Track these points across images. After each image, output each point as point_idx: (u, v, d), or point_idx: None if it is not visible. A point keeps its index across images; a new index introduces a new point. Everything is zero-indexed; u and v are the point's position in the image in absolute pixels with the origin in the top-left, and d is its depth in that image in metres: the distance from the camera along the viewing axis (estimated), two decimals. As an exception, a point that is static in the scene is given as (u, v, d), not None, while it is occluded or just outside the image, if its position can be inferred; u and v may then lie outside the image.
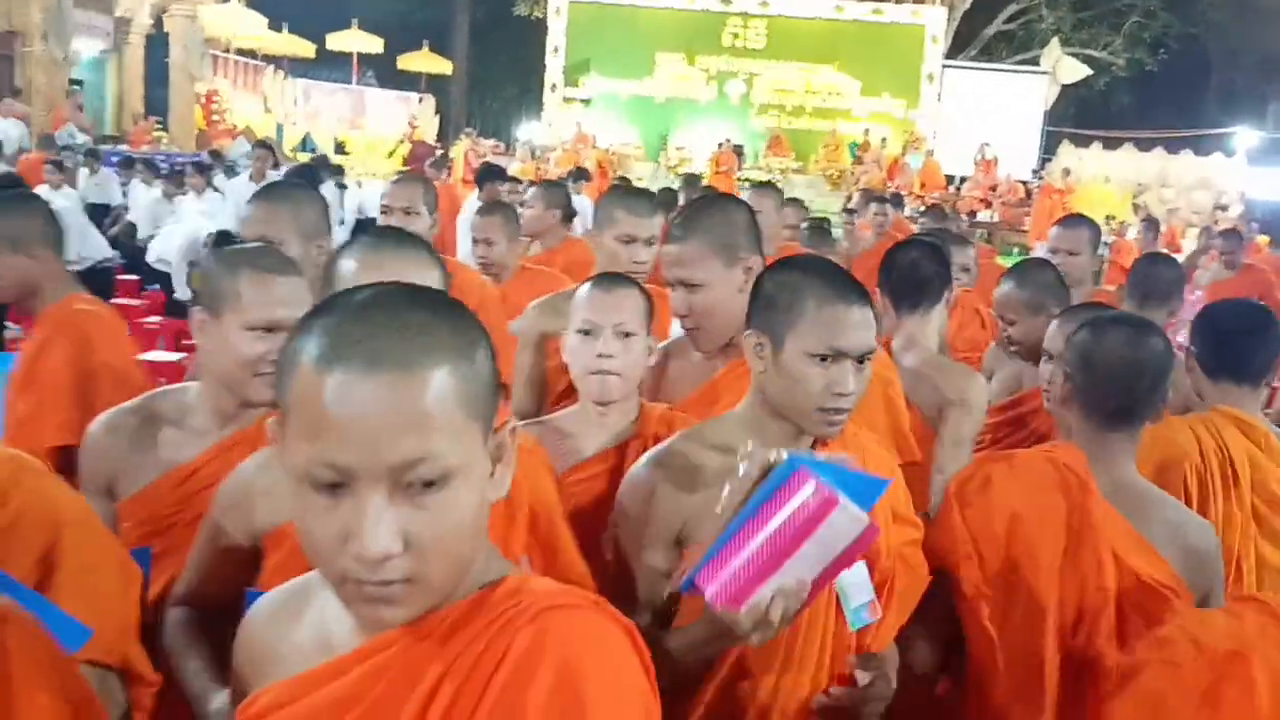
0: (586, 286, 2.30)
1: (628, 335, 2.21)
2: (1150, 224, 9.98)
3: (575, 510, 2.10)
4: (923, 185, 20.30)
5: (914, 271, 3.00)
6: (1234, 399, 2.63)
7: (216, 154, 13.17)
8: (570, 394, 2.48)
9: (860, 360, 1.80)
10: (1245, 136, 28.24)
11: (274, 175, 11.09)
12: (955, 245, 4.23)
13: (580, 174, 8.14)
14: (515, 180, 8.41)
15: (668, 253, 2.41)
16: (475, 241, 4.26)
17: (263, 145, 10.50)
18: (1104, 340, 2.14)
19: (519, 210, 5.10)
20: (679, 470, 1.86)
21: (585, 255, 4.75)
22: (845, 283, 1.83)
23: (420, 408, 1.01)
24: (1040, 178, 21.24)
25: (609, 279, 2.33)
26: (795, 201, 7.35)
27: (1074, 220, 4.46)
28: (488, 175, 7.78)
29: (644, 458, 1.95)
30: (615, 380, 2.21)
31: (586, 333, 2.21)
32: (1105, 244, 14.90)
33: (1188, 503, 2.40)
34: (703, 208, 2.49)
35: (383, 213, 3.54)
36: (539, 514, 1.91)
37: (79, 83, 17.65)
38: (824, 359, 1.78)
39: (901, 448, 2.53)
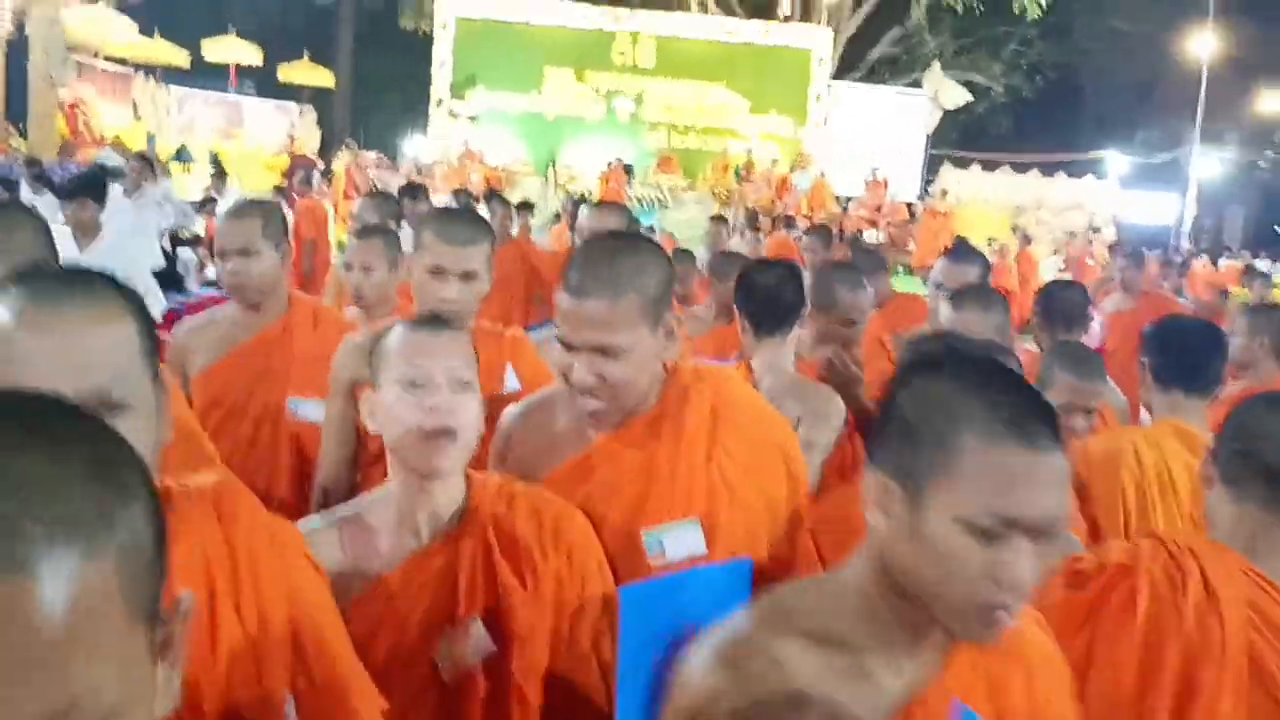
0: (401, 329, 1.85)
1: (465, 385, 1.79)
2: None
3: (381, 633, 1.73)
4: (811, 205, 20.45)
5: (775, 295, 2.95)
6: (1181, 410, 2.77)
7: (34, 163, 12.42)
8: (379, 461, 2.10)
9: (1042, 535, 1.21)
10: (1115, 161, 29.28)
11: (151, 189, 10.54)
12: (873, 272, 4.07)
13: (413, 191, 7.63)
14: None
15: (579, 310, 1.89)
16: (349, 268, 3.77)
17: (141, 158, 9.84)
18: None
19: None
20: (759, 680, 1.25)
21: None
22: (1031, 410, 1.24)
23: (63, 635, 0.63)
24: (924, 199, 21.61)
25: (433, 319, 1.90)
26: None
27: (963, 254, 4.19)
28: (410, 194, 7.20)
29: (705, 652, 1.30)
30: (449, 443, 1.75)
31: (411, 384, 1.77)
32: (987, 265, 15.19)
33: (1125, 512, 2.60)
34: (621, 255, 1.95)
35: (217, 255, 3.09)
36: (304, 632, 1.43)
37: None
38: (987, 533, 1.20)
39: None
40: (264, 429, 3.00)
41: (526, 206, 11.38)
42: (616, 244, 2.02)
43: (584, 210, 4.85)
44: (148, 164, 9.70)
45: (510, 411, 2.15)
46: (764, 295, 2.95)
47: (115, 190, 9.03)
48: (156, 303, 5.73)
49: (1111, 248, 20.92)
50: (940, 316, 3.26)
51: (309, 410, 2.95)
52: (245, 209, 3.13)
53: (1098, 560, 1.82)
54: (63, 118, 18.38)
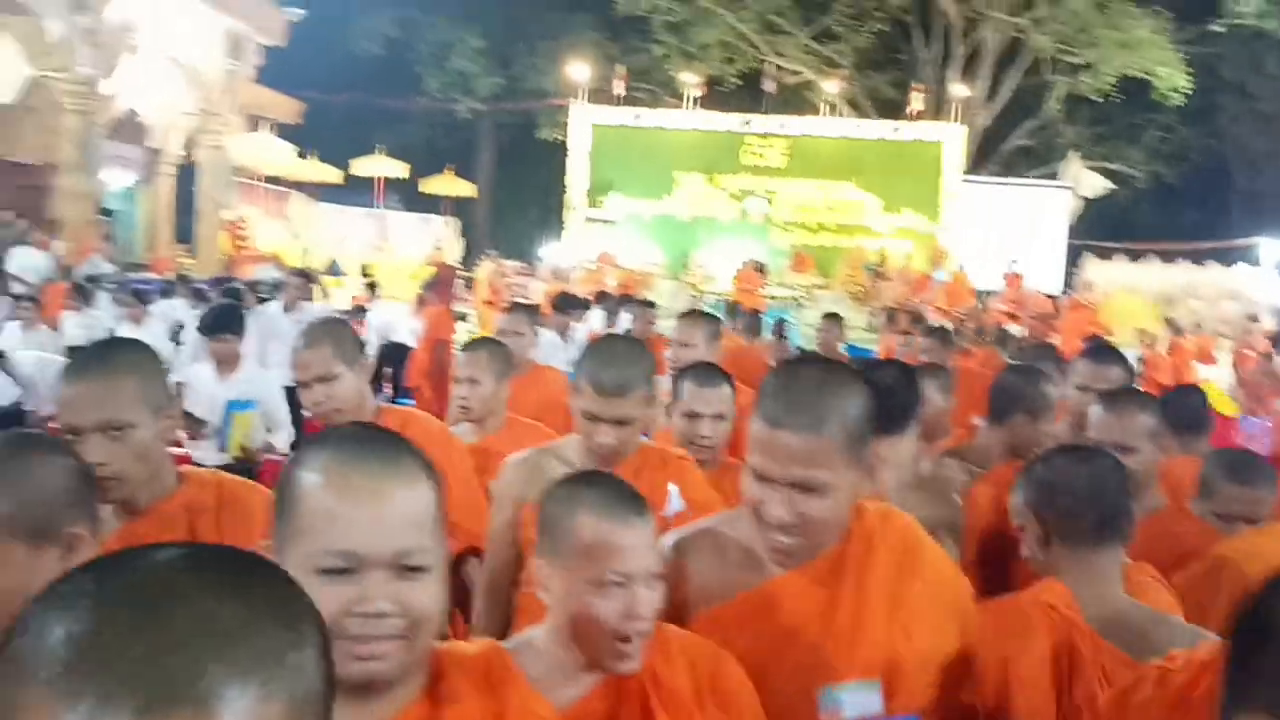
0: (589, 516, 1.69)
1: (657, 579, 1.71)
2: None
3: None
4: (950, 301, 20.17)
5: (891, 393, 2.76)
6: None
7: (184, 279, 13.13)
8: None
9: None
10: (1270, 247, 28.11)
11: (309, 306, 10.89)
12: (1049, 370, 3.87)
13: (566, 302, 7.64)
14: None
15: (777, 441, 1.76)
16: (457, 381, 3.68)
17: (301, 274, 10.11)
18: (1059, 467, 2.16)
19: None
20: None
21: (558, 389, 4.05)
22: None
23: None
24: (1067, 291, 21.12)
25: (613, 491, 1.76)
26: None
27: (1104, 354, 3.78)
28: (564, 305, 7.29)
29: None
30: (640, 641, 1.67)
31: (602, 584, 1.65)
32: (1139, 358, 14.68)
33: None
34: (826, 383, 1.82)
35: (300, 385, 3.06)
36: None
37: (109, 213, 17.91)
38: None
39: None
40: None
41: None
42: (819, 370, 1.87)
43: (677, 323, 4.69)
44: (307, 280, 10.06)
45: (679, 539, 1.99)
46: (881, 394, 2.85)
47: (274, 307, 9.48)
48: (285, 434, 5.73)
49: (1273, 338, 20.04)
50: (1091, 421, 3.12)
51: None
52: (315, 335, 3.05)
53: (1187, 657, 1.75)
54: (226, 236, 19.51)
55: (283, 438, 5.65)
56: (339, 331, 3.12)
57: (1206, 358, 16.76)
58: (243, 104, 19.94)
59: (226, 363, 5.76)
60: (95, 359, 2.19)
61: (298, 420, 5.85)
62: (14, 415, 7.55)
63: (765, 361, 6.64)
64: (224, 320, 5.98)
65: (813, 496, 1.76)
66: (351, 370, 3.00)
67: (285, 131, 23.75)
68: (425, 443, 2.97)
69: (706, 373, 3.23)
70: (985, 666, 1.97)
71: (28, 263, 13.60)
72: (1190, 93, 25.17)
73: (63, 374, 2.18)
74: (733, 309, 8.34)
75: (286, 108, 23.86)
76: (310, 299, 10.25)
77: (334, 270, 21.22)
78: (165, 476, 2.20)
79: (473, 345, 3.91)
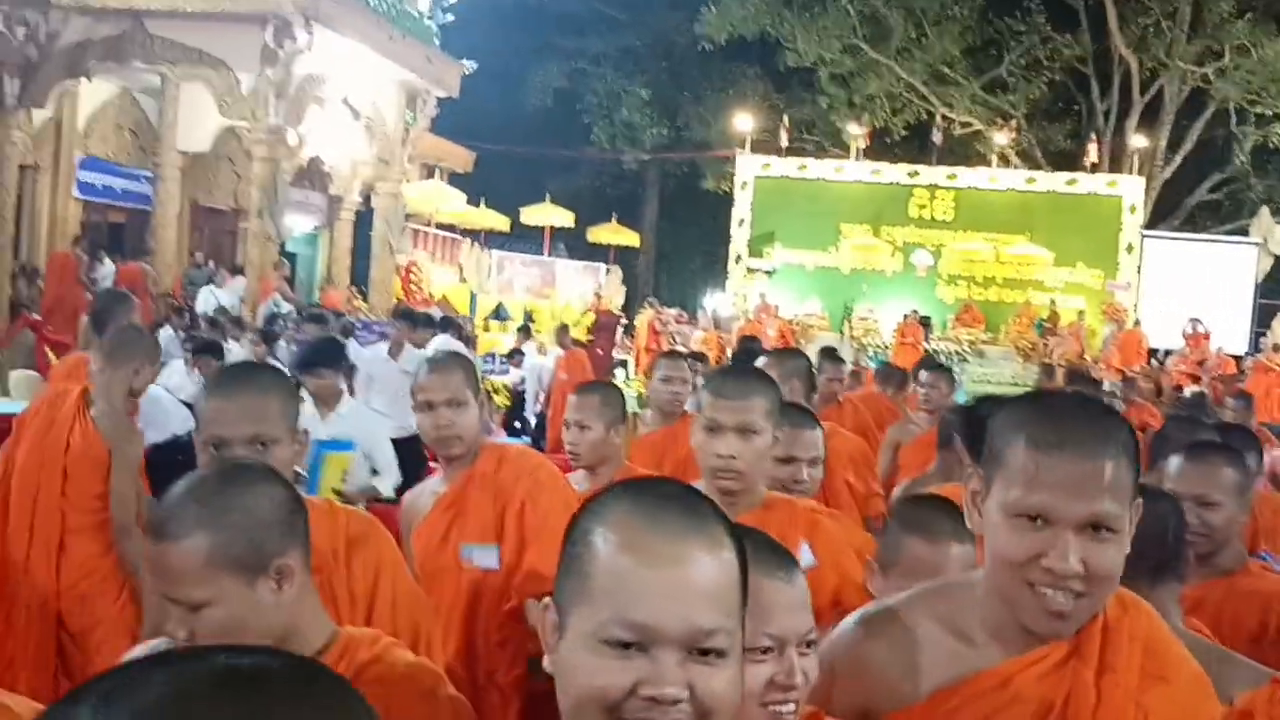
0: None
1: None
2: None
3: None
4: (1124, 359, 19.36)
5: None
6: None
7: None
8: None
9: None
10: None
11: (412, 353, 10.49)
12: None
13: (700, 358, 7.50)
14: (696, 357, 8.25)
15: (1063, 470, 1.46)
16: (566, 425, 3.60)
17: (404, 316, 9.82)
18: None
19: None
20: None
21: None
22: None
23: None
24: (1254, 352, 19.98)
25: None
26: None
27: (1207, 454, 2.87)
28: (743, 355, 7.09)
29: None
30: None
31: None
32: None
33: None
34: (1103, 414, 1.58)
35: (422, 408, 3.09)
36: None
37: (291, 255, 18.81)
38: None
39: None
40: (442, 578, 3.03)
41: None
42: (1087, 404, 1.61)
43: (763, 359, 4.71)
44: (407, 323, 9.57)
45: (864, 615, 1.70)
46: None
47: (380, 349, 9.32)
48: (391, 478, 5.35)
49: None
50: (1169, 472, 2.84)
51: (480, 556, 3.01)
52: (449, 363, 3.18)
53: (1251, 697, 1.66)
54: (398, 280, 20.27)
55: (388, 482, 5.29)
56: (468, 363, 3.24)
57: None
58: (418, 153, 20.76)
59: (325, 401, 5.36)
60: (244, 376, 2.29)
61: (405, 468, 5.51)
62: (185, 444, 7.82)
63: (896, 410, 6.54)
64: (321, 355, 5.62)
65: (1108, 544, 1.46)
66: (475, 401, 3.09)
67: (457, 180, 24.62)
68: (517, 472, 3.03)
69: (799, 415, 3.10)
70: None
71: (213, 301, 14.45)
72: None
73: (211, 389, 2.29)
74: (887, 370, 8.05)
75: (459, 157, 24.76)
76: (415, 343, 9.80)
77: (500, 314, 21.81)
78: None
79: (586, 389, 3.78)
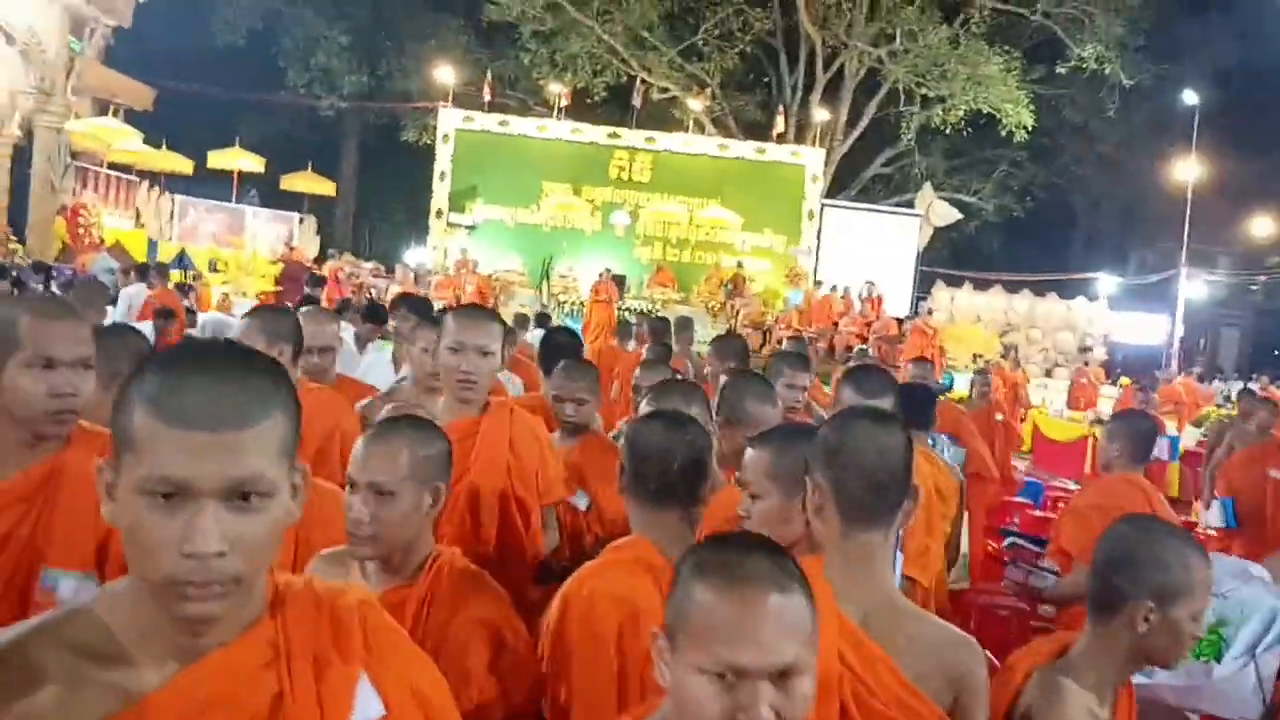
0: None
1: None
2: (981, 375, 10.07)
3: None
4: (812, 319, 20.60)
5: None
6: None
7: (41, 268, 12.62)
8: None
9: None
10: (1106, 282, 29.56)
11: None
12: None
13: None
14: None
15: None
16: (559, 400, 3.81)
17: (139, 268, 9.56)
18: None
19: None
20: None
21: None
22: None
23: None
24: (914, 315, 21.75)
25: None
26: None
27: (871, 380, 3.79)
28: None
29: None
30: None
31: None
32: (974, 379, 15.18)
33: None
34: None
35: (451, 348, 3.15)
36: None
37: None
38: None
39: None
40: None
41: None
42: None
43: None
44: (138, 270, 9.64)
45: None
46: None
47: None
48: None
49: (1104, 367, 21.04)
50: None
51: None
52: (482, 312, 3.34)
53: None
54: (63, 222, 18.69)
55: None
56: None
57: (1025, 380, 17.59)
58: (87, 86, 19.13)
59: None
60: None
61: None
62: None
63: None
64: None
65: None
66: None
67: (136, 119, 22.85)
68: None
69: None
70: None
71: None
72: (1036, 131, 26.28)
73: None
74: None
75: (138, 93, 22.98)
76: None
77: (182, 262, 20.52)
78: None
79: (570, 367, 3.99)
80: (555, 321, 17.59)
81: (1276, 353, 39.55)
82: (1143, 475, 4.25)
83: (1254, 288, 36.47)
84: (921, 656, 1.86)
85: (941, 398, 6.87)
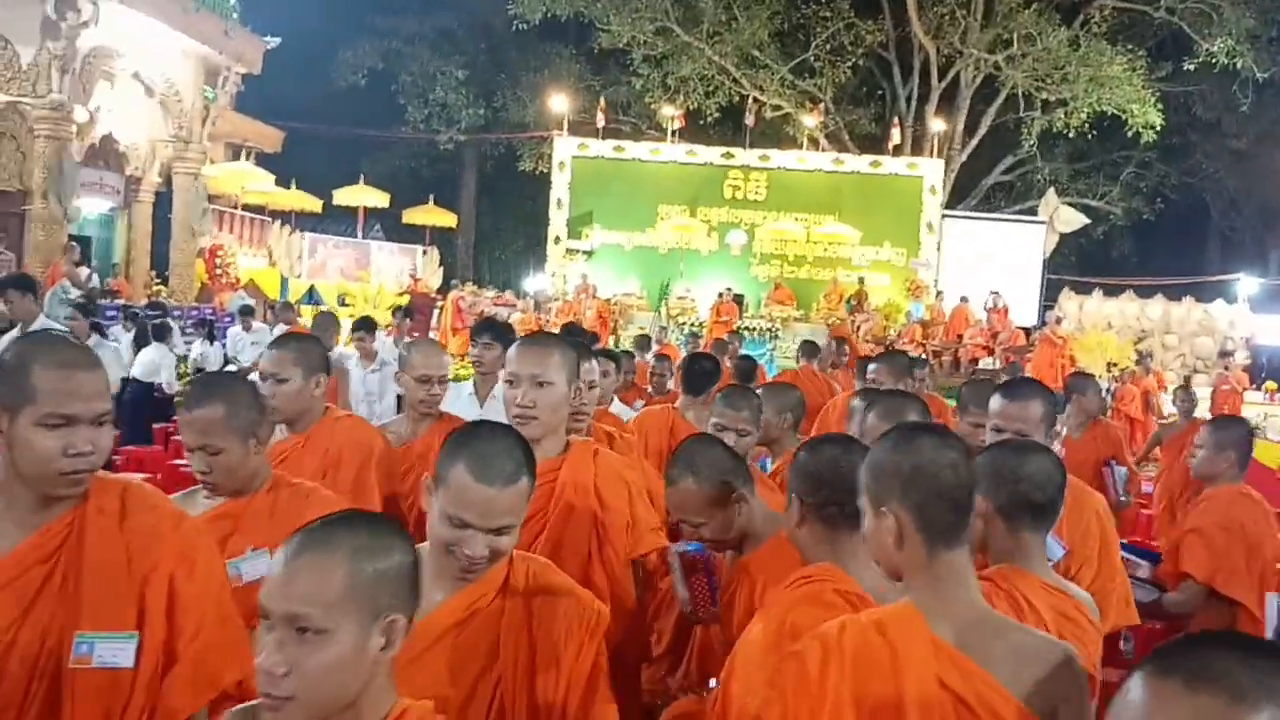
0: None
1: None
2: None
3: None
4: (946, 330, 20.30)
5: None
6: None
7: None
8: None
9: None
10: (1247, 283, 28.30)
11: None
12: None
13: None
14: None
15: None
16: (261, 377, 3.50)
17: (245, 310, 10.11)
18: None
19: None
20: None
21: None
22: None
23: None
24: (1042, 325, 21.20)
25: None
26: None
27: (1022, 388, 3.43)
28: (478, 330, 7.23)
29: None
30: None
31: None
32: (1109, 391, 14.73)
33: None
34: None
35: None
36: None
37: (83, 239, 17.91)
38: None
39: None
40: None
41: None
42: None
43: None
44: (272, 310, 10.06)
45: None
46: None
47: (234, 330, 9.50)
48: None
49: (1247, 371, 20.16)
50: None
51: None
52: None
53: None
54: (202, 264, 19.50)
55: None
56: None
57: (1161, 387, 17.00)
58: (221, 132, 19.99)
59: None
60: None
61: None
62: None
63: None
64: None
65: None
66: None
67: (266, 161, 23.83)
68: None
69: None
70: None
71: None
72: (1165, 130, 25.40)
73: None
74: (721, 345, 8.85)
75: (267, 136, 23.97)
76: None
77: (313, 298, 21.23)
78: None
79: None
80: (670, 342, 17.67)
81: None
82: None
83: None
84: (1020, 667, 1.84)
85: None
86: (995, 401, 3.27)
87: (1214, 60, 24.50)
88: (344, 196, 25.08)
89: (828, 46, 26.60)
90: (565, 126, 24.75)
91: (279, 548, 1.61)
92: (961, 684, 1.81)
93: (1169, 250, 29.69)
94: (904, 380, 4.78)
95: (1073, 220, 24.61)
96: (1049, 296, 23.38)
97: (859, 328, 20.19)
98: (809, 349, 9.44)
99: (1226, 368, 19.32)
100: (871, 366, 5.31)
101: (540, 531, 2.74)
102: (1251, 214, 31.86)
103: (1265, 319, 24.79)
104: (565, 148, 24.09)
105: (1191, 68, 25.02)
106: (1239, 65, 24.42)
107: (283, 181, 23.07)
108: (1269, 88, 25.91)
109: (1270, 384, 20.50)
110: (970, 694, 1.81)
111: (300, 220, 24.80)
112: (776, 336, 19.98)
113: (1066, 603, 2.36)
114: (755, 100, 25.39)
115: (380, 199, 25.24)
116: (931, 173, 23.71)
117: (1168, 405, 16.63)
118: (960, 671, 1.82)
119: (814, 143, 25.75)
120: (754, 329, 19.81)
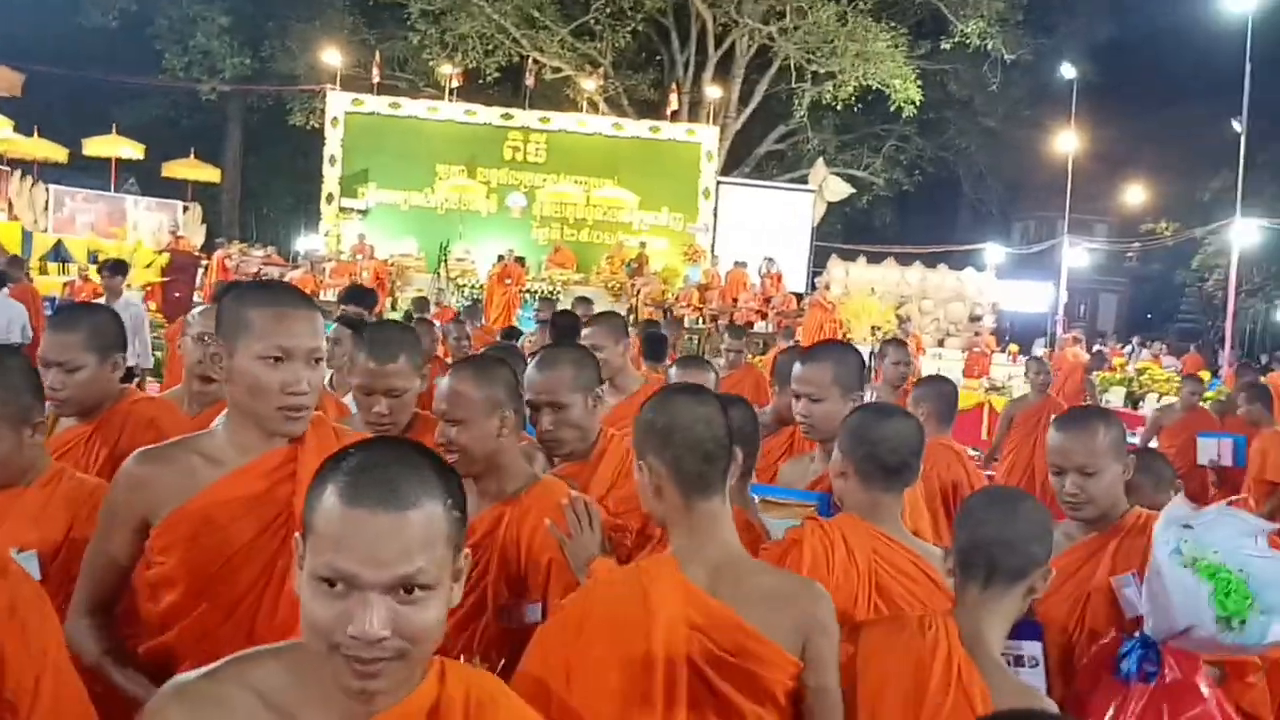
0: None
1: None
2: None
3: None
4: (722, 295, 20.71)
5: None
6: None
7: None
8: None
9: None
10: (993, 252, 30.35)
11: None
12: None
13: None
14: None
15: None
16: (46, 366, 2.98)
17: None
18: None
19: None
20: None
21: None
22: None
23: None
24: (812, 290, 22.05)
25: None
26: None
27: (817, 352, 3.36)
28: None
29: None
30: None
31: None
32: (873, 354, 15.47)
33: None
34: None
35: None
36: None
37: None
38: None
39: None
40: None
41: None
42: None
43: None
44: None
45: None
46: None
47: None
48: None
49: (994, 335, 21.63)
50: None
51: None
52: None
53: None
54: (-70, 216, 17.81)
55: None
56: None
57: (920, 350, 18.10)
58: (-49, 72, 18.22)
59: None
60: None
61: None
62: None
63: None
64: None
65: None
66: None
67: (4, 105, 21.86)
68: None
69: None
70: None
71: None
72: (923, 106, 26.80)
73: None
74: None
75: (4, 78, 21.98)
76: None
77: (59, 255, 19.73)
78: None
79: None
80: (450, 304, 17.41)
81: (1149, 316, 41.23)
82: None
83: (1129, 255, 37.86)
84: (766, 605, 2.00)
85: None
86: (796, 367, 3.35)
87: (967, 41, 26.00)
88: (94, 147, 23.34)
89: (607, 10, 26.66)
90: (338, 80, 23.85)
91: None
92: (707, 622, 1.97)
93: (925, 220, 31.52)
94: (622, 340, 4.55)
95: (840, 190, 25.65)
96: (817, 263, 24.33)
97: (639, 291, 20.43)
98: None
99: (977, 332, 20.68)
100: (586, 331, 4.76)
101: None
102: (998, 187, 34.15)
103: (1009, 285, 26.67)
104: (338, 103, 23.21)
105: (947, 47, 26.48)
106: (990, 46, 26.01)
107: (23, 129, 21.26)
108: (1015, 68, 27.74)
109: (1014, 347, 22.06)
110: (714, 630, 1.97)
111: (44, 171, 22.91)
112: (557, 299, 19.98)
113: (899, 555, 2.51)
114: (535, 61, 25.20)
115: (135, 150, 23.62)
116: (708, 139, 24.18)
117: (926, 368, 17.68)
118: (706, 611, 1.98)
119: (593, 106, 25.81)
120: (534, 291, 19.76)
